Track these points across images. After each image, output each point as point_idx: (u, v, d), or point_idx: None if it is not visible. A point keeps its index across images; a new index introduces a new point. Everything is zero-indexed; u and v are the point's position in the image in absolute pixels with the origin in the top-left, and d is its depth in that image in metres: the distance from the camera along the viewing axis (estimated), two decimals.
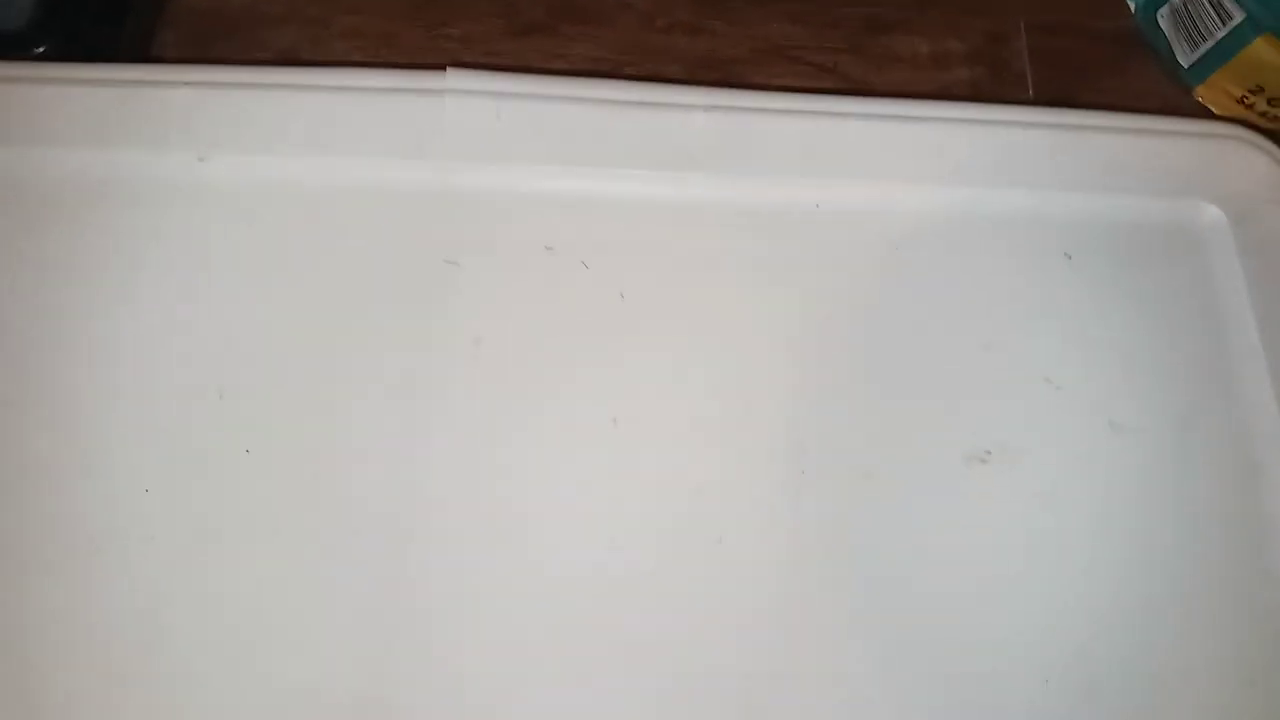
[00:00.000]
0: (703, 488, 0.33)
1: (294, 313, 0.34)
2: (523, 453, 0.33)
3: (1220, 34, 0.49)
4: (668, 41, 0.53)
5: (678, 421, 0.34)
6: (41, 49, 0.49)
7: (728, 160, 0.36)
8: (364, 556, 0.31)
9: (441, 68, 0.36)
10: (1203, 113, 0.53)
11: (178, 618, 0.30)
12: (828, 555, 0.32)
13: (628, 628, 0.31)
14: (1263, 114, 0.51)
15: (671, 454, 0.33)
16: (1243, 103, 0.51)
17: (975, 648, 0.31)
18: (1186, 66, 0.52)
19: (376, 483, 0.32)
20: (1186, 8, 0.51)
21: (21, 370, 0.33)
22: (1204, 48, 0.50)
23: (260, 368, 0.33)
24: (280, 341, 0.34)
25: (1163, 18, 0.52)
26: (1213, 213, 0.37)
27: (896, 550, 0.32)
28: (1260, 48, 0.47)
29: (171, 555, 0.31)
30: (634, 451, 0.33)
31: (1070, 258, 0.36)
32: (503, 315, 0.35)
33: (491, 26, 0.53)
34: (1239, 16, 0.47)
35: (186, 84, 0.36)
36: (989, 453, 0.33)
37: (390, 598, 0.31)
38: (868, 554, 0.32)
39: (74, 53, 0.49)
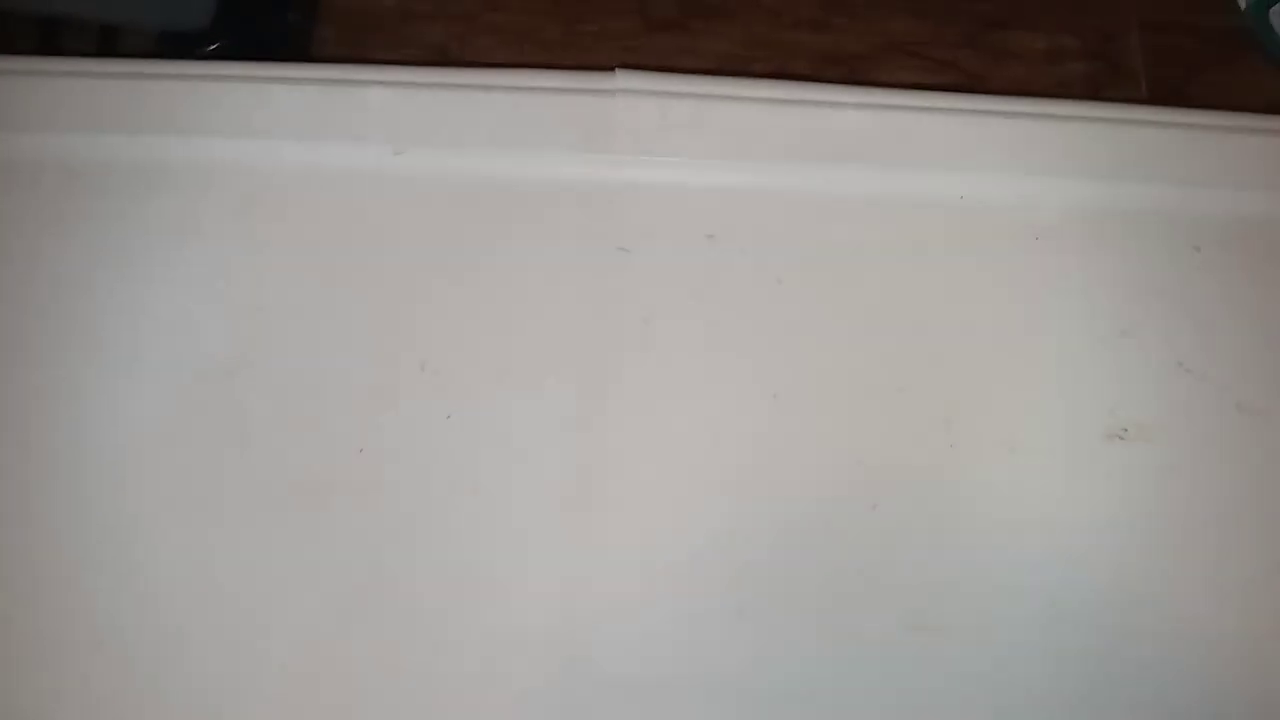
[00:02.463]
0: (860, 458, 0.36)
1: (482, 294, 0.38)
2: (691, 423, 0.36)
3: None
4: (794, 37, 0.56)
5: (834, 397, 0.37)
6: (214, 46, 0.53)
7: (876, 154, 0.39)
8: (549, 517, 0.35)
9: (610, 68, 0.39)
10: None
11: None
12: (973, 521, 0.35)
13: (782, 576, 0.35)
14: None
15: (830, 426, 0.36)
16: None
17: (1111, 606, 0.34)
18: None
19: (557, 450, 0.36)
20: None
21: (244, 340, 0.37)
22: None
23: (456, 344, 0.37)
24: (471, 320, 0.37)
25: (1274, 14, 0.54)
26: None
27: (1036, 518, 0.35)
28: None
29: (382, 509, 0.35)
30: (795, 422, 0.36)
31: (1199, 250, 0.39)
32: (670, 297, 0.38)
33: (627, 23, 0.56)
34: None
35: (380, 83, 0.39)
36: (1126, 430, 0.36)
37: (568, 547, 0.35)
38: (1010, 523, 0.35)
39: (243, 49, 0.53)
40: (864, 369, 0.37)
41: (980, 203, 0.39)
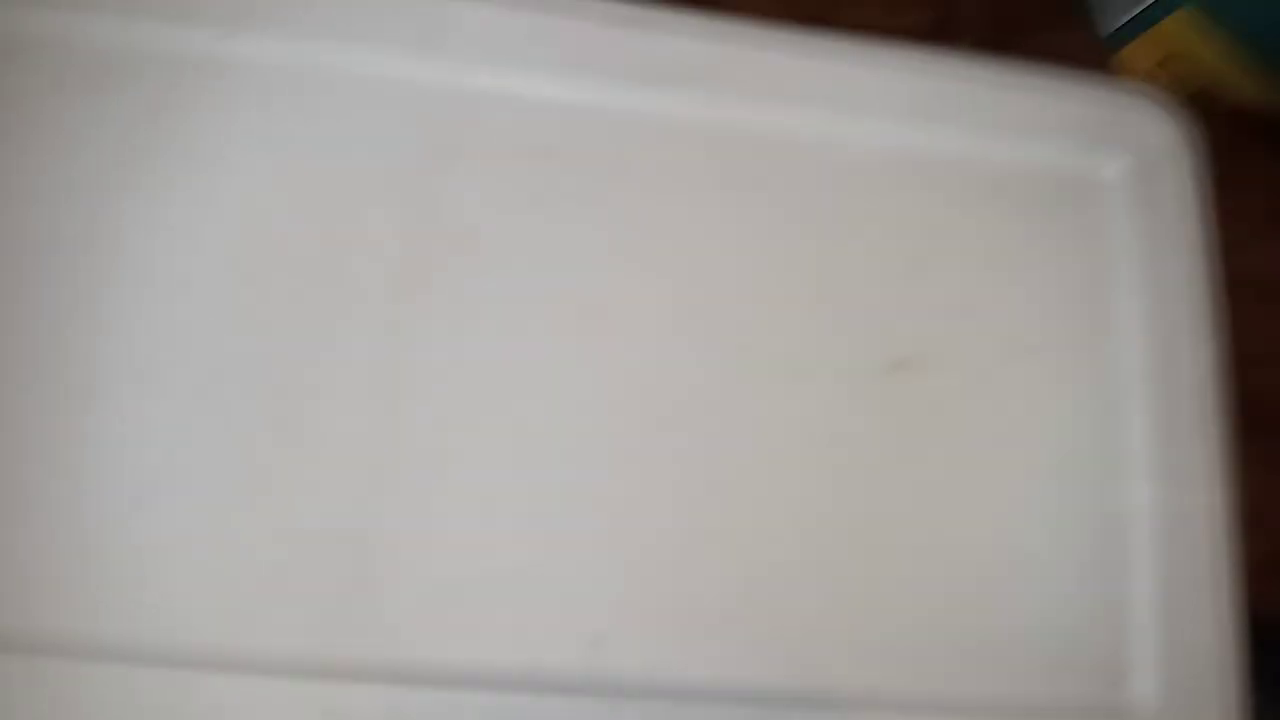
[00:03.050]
0: (651, 380, 0.38)
1: (299, 193, 0.38)
2: (502, 328, 0.38)
3: (1144, 4, 0.54)
4: None
5: (636, 318, 0.38)
6: None
7: (706, 82, 0.41)
8: (354, 414, 0.36)
9: None
10: (1122, 74, 0.59)
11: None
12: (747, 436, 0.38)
13: (559, 482, 0.37)
14: (1172, 82, 0.57)
15: (626, 346, 0.38)
16: (1158, 69, 0.57)
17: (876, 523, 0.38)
18: (1111, 32, 0.58)
19: (366, 346, 0.37)
20: None
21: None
22: (1127, 16, 0.56)
23: (267, 242, 0.37)
24: (287, 221, 0.37)
25: None
26: (1117, 164, 0.43)
27: (817, 436, 0.39)
28: (1176, 22, 0.53)
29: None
30: (596, 338, 0.38)
31: (992, 194, 0.42)
32: (494, 208, 0.39)
33: None
34: None
35: None
36: (903, 361, 0.39)
37: (375, 445, 0.36)
38: (790, 442, 0.39)
39: None
40: (667, 292, 0.39)
41: (798, 137, 0.41)
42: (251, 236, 0.37)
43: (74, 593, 0.33)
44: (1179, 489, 0.39)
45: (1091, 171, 0.43)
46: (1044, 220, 0.43)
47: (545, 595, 0.36)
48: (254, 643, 0.34)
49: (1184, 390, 0.40)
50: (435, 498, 0.36)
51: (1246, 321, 0.44)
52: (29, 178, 0.36)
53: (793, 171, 0.41)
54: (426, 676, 0.34)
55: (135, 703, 0.33)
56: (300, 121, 0.38)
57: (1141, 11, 0.54)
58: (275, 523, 0.35)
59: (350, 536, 0.35)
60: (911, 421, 0.39)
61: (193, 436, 0.35)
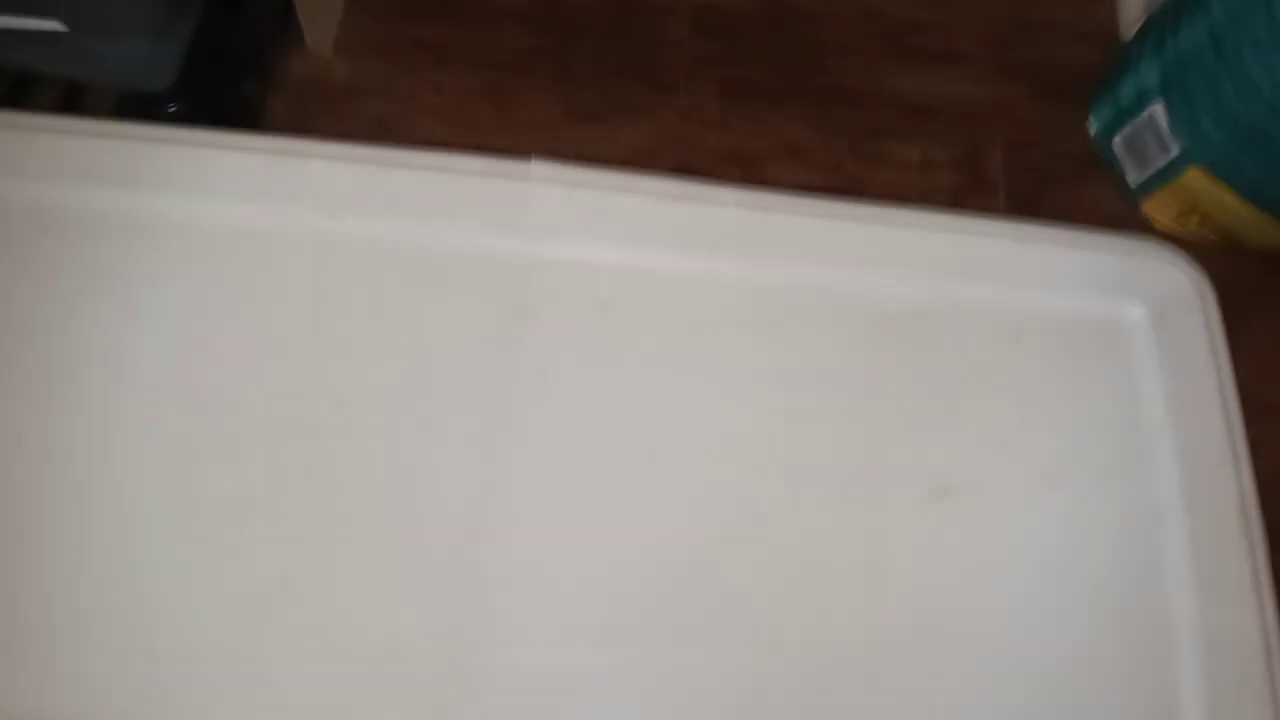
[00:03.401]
0: (718, 506, 0.41)
1: (399, 347, 0.43)
2: (577, 468, 0.42)
3: (1161, 162, 0.59)
4: (699, 135, 0.63)
5: (700, 454, 0.42)
6: (173, 108, 0.58)
7: (749, 246, 0.45)
8: (448, 541, 0.40)
9: (527, 156, 0.45)
10: (1145, 225, 0.62)
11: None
12: (811, 557, 0.41)
13: (638, 611, 0.40)
14: (1194, 230, 0.61)
15: (693, 478, 0.42)
16: (1179, 219, 0.61)
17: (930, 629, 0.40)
18: (1134, 185, 0.62)
19: (457, 486, 0.41)
20: (1136, 138, 0.60)
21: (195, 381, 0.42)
22: (1148, 172, 0.60)
23: (373, 385, 0.42)
24: (387, 368, 0.42)
25: (1116, 144, 0.62)
26: (1136, 312, 0.46)
27: (866, 559, 0.41)
28: (1192, 177, 0.57)
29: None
30: (665, 473, 0.42)
31: (1019, 341, 0.45)
32: (565, 356, 0.43)
33: (553, 112, 0.62)
34: (1176, 149, 0.57)
35: (321, 156, 0.45)
36: (947, 490, 0.42)
37: (461, 581, 0.40)
38: (843, 563, 0.41)
39: (199, 114, 0.58)
40: (727, 429, 0.43)
41: (834, 292, 0.45)
42: (368, 385, 0.42)
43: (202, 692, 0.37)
44: (1220, 605, 0.40)
45: (1114, 318, 0.46)
46: (1071, 361, 0.46)
47: (622, 696, 0.38)
48: None
49: (1219, 512, 0.42)
50: (520, 613, 0.39)
51: None
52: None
53: (832, 322, 0.45)
54: None
55: None
56: (401, 287, 0.44)
57: (1160, 169, 0.59)
58: (383, 632, 0.39)
59: (445, 647, 0.38)
60: (955, 544, 0.42)
61: (305, 558, 0.40)
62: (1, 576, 0.39)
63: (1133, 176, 0.62)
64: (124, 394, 0.41)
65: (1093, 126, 0.64)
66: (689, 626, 0.39)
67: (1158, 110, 0.58)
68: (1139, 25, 0.63)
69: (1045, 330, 0.46)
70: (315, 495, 0.40)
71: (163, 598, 0.38)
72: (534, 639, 0.39)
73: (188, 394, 0.42)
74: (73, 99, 0.57)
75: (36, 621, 0.38)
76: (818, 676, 0.39)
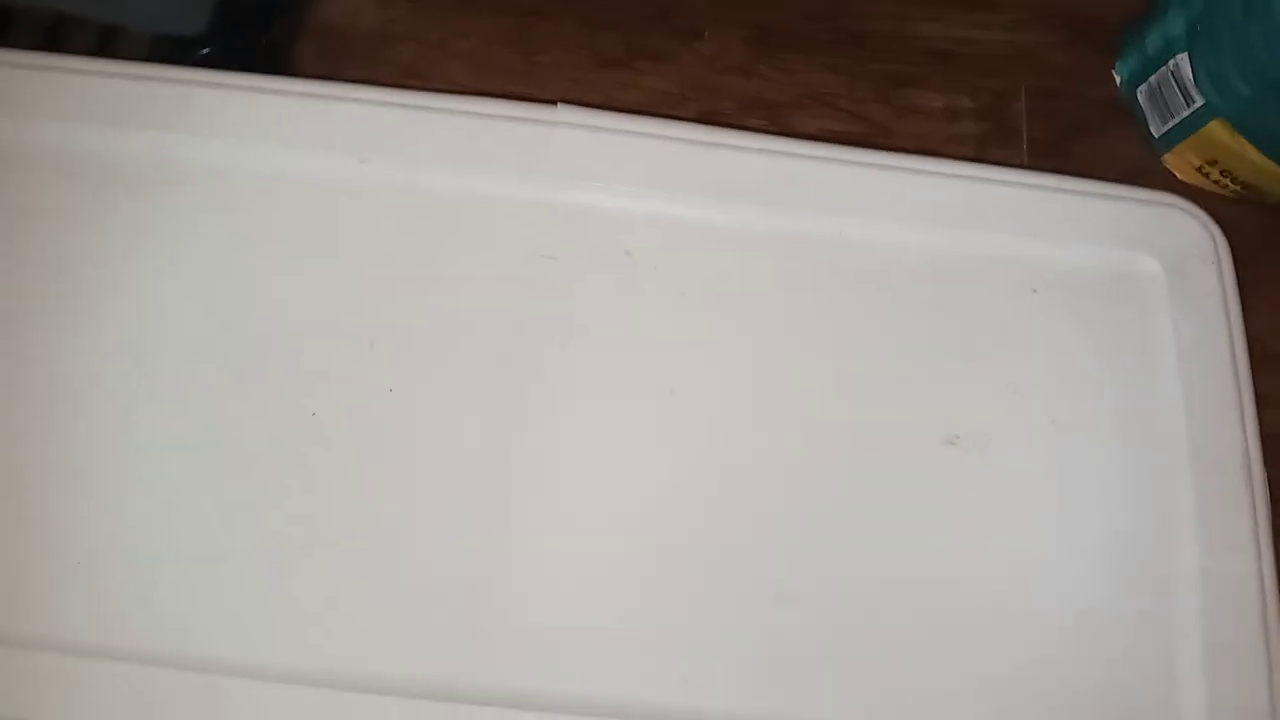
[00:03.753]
0: (735, 450, 0.43)
1: (428, 290, 0.44)
2: (602, 410, 0.43)
3: (1185, 113, 0.58)
4: (724, 81, 0.63)
5: (721, 396, 0.43)
6: (205, 52, 0.59)
7: (772, 194, 0.46)
8: (474, 485, 0.42)
9: (553, 102, 0.46)
10: (1168, 176, 0.62)
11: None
12: (823, 506, 0.42)
13: (654, 547, 0.41)
14: (1216, 182, 0.60)
15: (713, 421, 0.43)
16: (1201, 171, 0.60)
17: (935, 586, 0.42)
18: (1157, 136, 0.61)
19: (485, 427, 0.42)
20: (1160, 88, 0.60)
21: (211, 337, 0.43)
22: (1171, 123, 0.60)
23: (400, 330, 0.43)
24: (417, 311, 0.44)
25: (1141, 93, 0.62)
26: (1151, 264, 0.47)
27: (877, 510, 0.43)
28: (1215, 129, 0.57)
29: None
30: (687, 415, 0.43)
31: (1035, 291, 0.46)
32: (589, 302, 0.44)
33: (579, 58, 0.62)
34: (1200, 101, 0.57)
35: (351, 100, 0.46)
36: (959, 438, 0.43)
37: (485, 524, 0.41)
38: (854, 513, 0.42)
39: (230, 59, 0.58)
40: (746, 374, 0.44)
41: (856, 242, 0.46)
42: (396, 329, 0.44)
43: (260, 619, 0.39)
44: (1224, 554, 0.42)
45: (1129, 269, 0.47)
46: (1087, 312, 0.46)
47: (639, 641, 0.40)
48: (397, 670, 0.39)
49: (1226, 463, 0.43)
50: (540, 559, 0.41)
51: None
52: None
53: (853, 271, 0.46)
54: (535, 704, 0.38)
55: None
56: (430, 231, 0.45)
57: (1183, 120, 0.58)
58: (409, 576, 0.40)
59: (469, 588, 0.40)
60: (966, 491, 0.43)
61: (335, 502, 0.41)
62: (38, 519, 0.40)
63: (1156, 127, 0.62)
64: (153, 337, 0.43)
65: (1119, 75, 0.64)
66: (705, 573, 0.41)
67: (1183, 61, 0.57)
68: None
69: (1061, 281, 0.47)
70: (345, 439, 0.42)
71: (193, 541, 0.40)
72: (554, 586, 0.41)
73: (217, 338, 0.43)
74: (107, 43, 0.58)
75: (72, 559, 0.40)
76: (831, 621, 0.41)
